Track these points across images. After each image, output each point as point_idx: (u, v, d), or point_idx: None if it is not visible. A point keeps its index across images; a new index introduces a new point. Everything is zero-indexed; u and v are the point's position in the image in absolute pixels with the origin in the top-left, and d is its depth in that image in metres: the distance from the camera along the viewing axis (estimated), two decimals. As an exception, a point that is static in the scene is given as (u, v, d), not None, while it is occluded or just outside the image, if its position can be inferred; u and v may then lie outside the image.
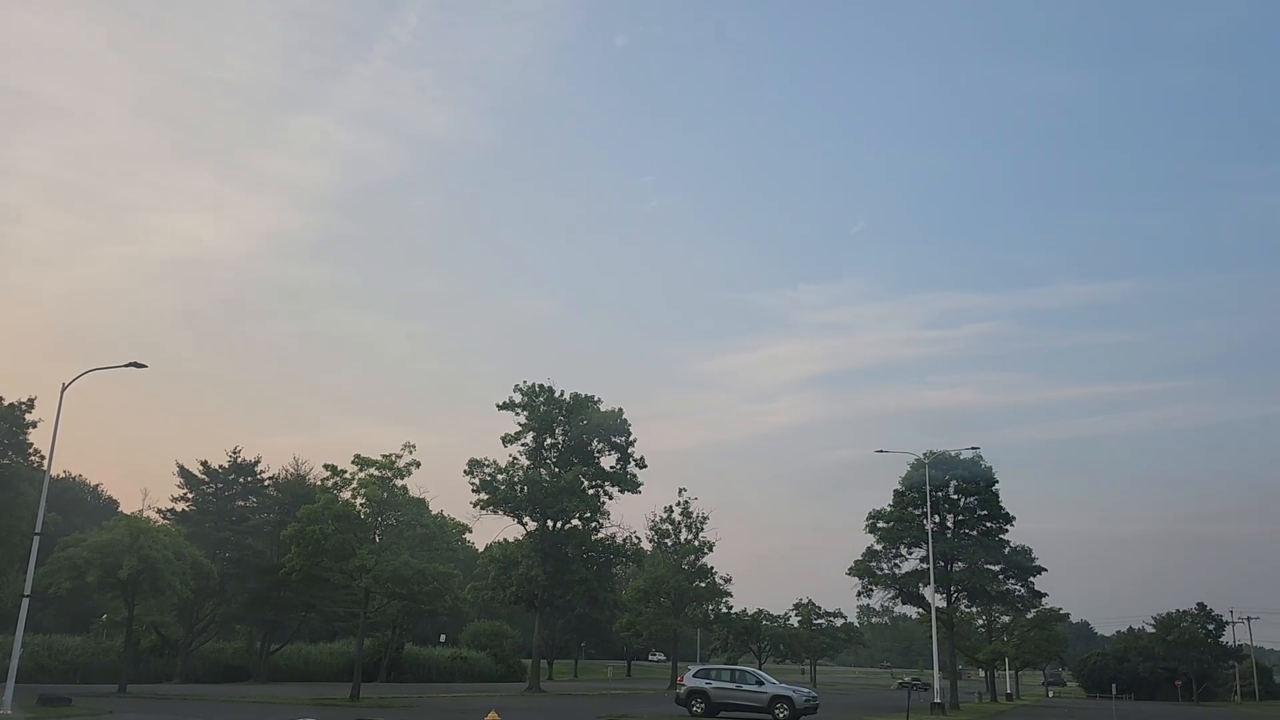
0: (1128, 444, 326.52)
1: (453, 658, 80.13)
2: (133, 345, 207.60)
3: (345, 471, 44.07)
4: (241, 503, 68.78)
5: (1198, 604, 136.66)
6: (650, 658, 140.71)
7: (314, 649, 72.67)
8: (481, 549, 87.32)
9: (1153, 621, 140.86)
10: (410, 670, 75.73)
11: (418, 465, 43.95)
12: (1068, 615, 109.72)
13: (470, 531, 62.21)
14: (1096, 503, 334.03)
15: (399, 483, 43.76)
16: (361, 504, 43.63)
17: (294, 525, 43.97)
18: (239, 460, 67.46)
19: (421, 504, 44.68)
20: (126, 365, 33.13)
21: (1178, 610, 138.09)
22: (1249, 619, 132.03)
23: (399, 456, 43.75)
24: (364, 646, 50.03)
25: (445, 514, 67.87)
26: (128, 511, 63.47)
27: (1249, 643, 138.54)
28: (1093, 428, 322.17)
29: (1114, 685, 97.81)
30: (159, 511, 64.19)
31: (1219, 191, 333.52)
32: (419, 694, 51.32)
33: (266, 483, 69.43)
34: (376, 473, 43.37)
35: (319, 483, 52.57)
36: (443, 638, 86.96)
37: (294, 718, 30.71)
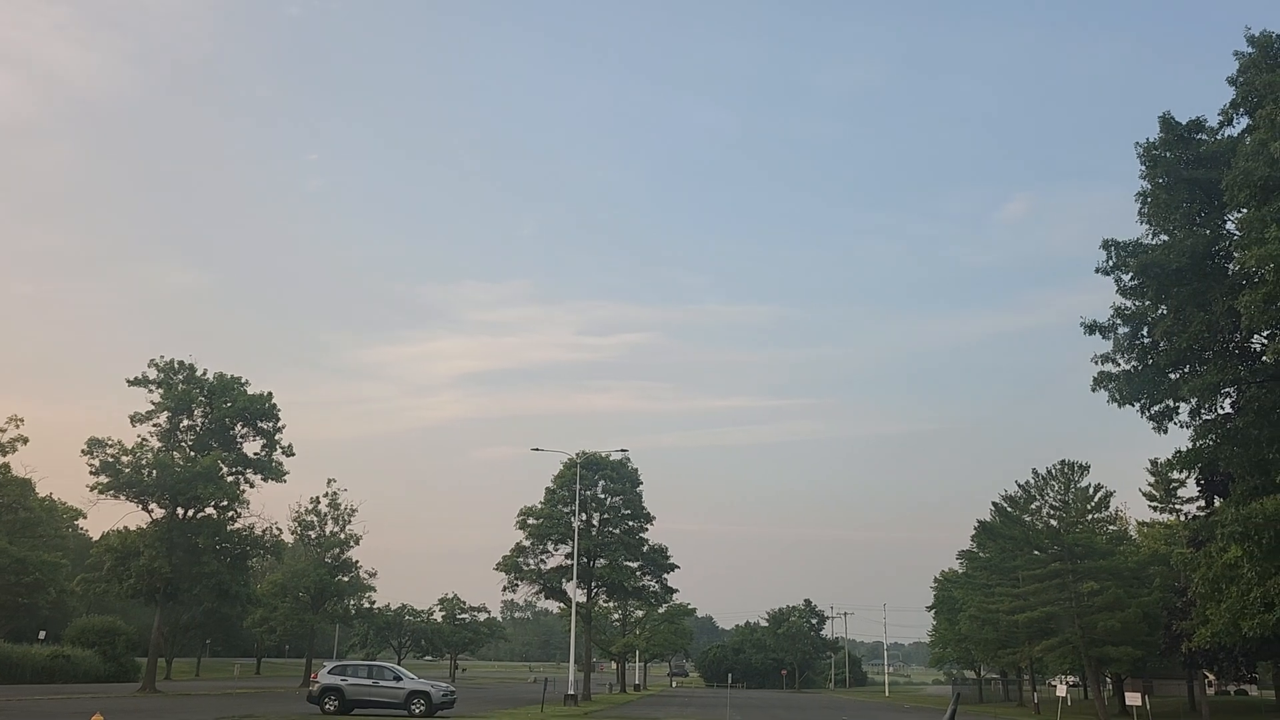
0: (755, 453, 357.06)
1: (53, 656, 71.94)
2: None
3: (-68, 445, 38.54)
4: None
5: (804, 600, 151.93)
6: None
7: None
8: (99, 536, 79.44)
9: (766, 616, 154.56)
10: (-1, 671, 67.41)
11: (25, 442, 39.41)
12: (695, 610, 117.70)
13: (85, 517, 56.54)
14: (725, 505, 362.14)
15: (0, 460, 38.93)
16: (-49, 483, 38.35)
17: None
18: None
19: (26, 485, 40.14)
20: None
21: (788, 606, 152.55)
22: (845, 614, 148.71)
23: (2, 431, 38.93)
24: (-58, 645, 43.91)
25: (57, 498, 61.32)
26: None
27: (845, 636, 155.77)
28: (724, 437, 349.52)
29: (730, 675, 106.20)
30: None
31: (845, 234, 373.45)
32: (10, 696, 45.75)
33: None
34: (-27, 448, 38.29)
35: (-103, 456, 45.49)
36: (42, 634, 78.01)
37: None
